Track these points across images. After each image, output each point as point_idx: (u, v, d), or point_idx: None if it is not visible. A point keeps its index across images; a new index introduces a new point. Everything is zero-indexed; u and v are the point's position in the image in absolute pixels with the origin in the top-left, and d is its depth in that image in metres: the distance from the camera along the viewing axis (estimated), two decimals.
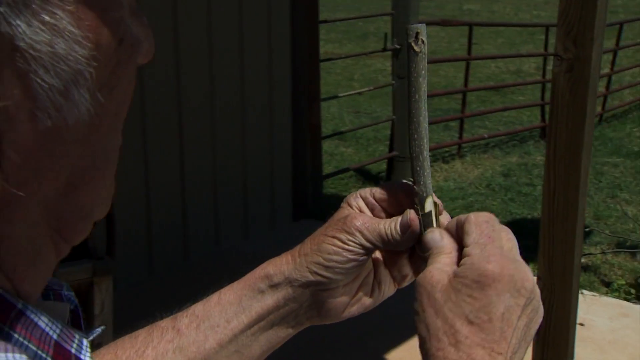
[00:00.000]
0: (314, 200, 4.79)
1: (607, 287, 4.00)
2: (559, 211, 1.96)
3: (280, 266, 0.66)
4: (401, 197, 0.66)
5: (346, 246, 0.64)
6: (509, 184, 5.92)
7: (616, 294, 3.88)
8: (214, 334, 0.65)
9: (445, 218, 0.64)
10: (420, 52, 0.60)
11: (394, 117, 5.62)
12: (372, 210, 0.67)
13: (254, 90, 4.23)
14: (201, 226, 4.09)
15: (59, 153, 0.39)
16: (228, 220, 4.23)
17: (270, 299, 0.65)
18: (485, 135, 6.92)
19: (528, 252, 4.77)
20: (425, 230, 0.62)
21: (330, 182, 5.80)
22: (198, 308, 0.66)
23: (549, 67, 7.98)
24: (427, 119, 0.62)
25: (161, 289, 3.60)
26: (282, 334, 0.67)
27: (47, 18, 0.36)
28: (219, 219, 4.19)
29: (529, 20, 16.04)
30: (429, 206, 0.63)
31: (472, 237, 0.58)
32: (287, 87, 4.46)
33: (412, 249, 0.66)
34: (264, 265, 0.67)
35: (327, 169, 5.88)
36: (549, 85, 7.85)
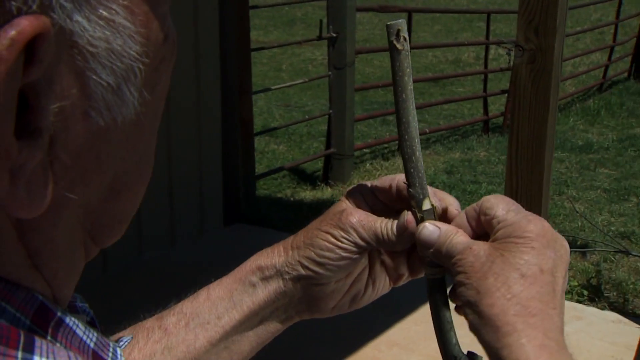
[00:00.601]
0: (247, 202, 4.79)
1: None
2: None
3: (272, 258, 0.68)
4: (404, 193, 0.67)
5: (339, 243, 0.66)
6: (453, 181, 6.04)
7: (568, 296, 4.00)
8: (204, 331, 0.66)
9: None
10: (404, 49, 0.62)
11: (330, 111, 5.63)
12: (371, 207, 0.68)
13: (179, 82, 4.20)
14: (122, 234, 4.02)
15: (106, 154, 0.40)
16: (152, 227, 4.17)
17: (261, 293, 0.67)
18: (427, 130, 7.05)
19: None
20: None
21: (263, 183, 5.79)
22: (185, 306, 0.68)
23: (491, 57, 8.26)
24: (416, 118, 0.64)
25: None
26: (272, 329, 0.69)
27: (104, 13, 0.37)
28: (142, 225, 4.14)
29: (466, 6, 16.45)
30: (426, 208, 0.65)
31: (501, 207, 0.61)
32: (216, 78, 4.45)
33: (410, 249, 0.68)
34: (254, 257, 0.69)
35: (258, 168, 5.85)
36: (490, 76, 8.11)
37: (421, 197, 0.64)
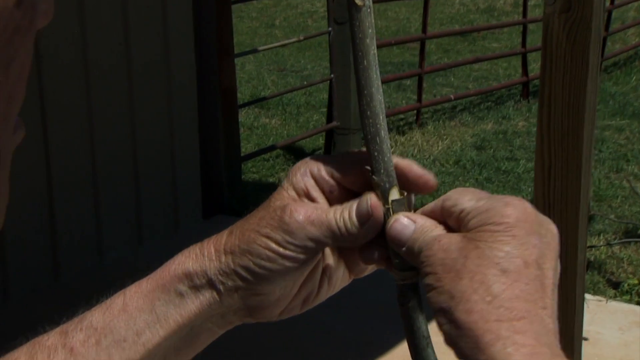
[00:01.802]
0: (231, 189, 4.80)
1: (615, 288, 4.12)
2: (557, 195, 2.02)
3: (201, 262, 0.67)
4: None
5: (283, 251, 0.65)
6: (484, 158, 6.03)
7: (627, 297, 4.02)
8: (120, 350, 0.66)
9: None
10: (364, 5, 0.62)
11: (332, 76, 5.60)
12: (328, 193, 0.68)
13: (141, 41, 4.16)
14: (77, 232, 4.03)
15: None
16: (114, 222, 4.18)
17: (191, 304, 0.67)
18: (452, 97, 6.96)
19: None
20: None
21: (251, 165, 5.77)
22: (96, 318, 0.67)
23: (532, 3, 8.21)
24: (380, 90, 0.65)
25: (22, 318, 3.52)
26: (207, 337, 0.70)
27: None
28: (101, 221, 4.14)
29: None
30: (394, 198, 0.65)
31: (467, 198, 0.62)
32: (188, 38, 4.42)
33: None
34: (180, 258, 0.68)
35: (246, 147, 5.84)
36: (531, 27, 8.08)
37: (387, 185, 0.65)
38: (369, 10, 0.63)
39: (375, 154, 0.65)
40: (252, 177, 5.61)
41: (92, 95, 4.02)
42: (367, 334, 3.48)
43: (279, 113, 7.12)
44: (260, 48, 6.07)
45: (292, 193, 0.67)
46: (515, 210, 0.59)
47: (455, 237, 0.60)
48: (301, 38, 6.23)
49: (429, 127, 6.80)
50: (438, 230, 0.62)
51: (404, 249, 0.63)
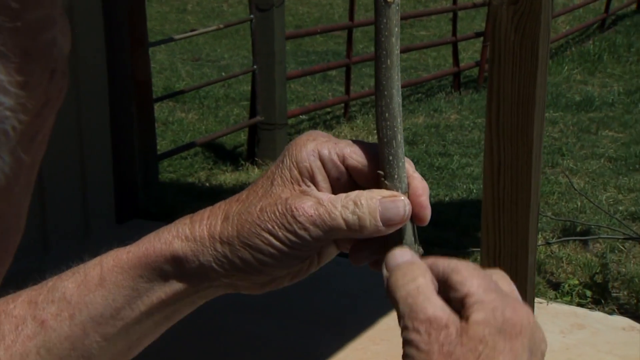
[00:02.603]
0: (147, 191, 4.79)
1: (556, 289, 4.18)
2: (507, 193, 2.05)
3: (193, 247, 0.68)
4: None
5: (287, 250, 0.66)
6: (417, 154, 6.03)
7: (567, 298, 4.09)
8: (95, 325, 0.67)
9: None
10: (394, 2, 0.63)
11: (254, 67, 5.58)
12: (334, 180, 0.68)
13: None
14: None
15: None
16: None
17: (178, 286, 0.69)
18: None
19: (453, 250, 4.83)
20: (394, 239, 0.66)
21: (167, 164, 5.74)
22: (70, 291, 0.68)
23: None
24: (400, 92, 0.66)
25: None
26: (188, 310, 0.72)
27: None
28: None
29: None
30: None
31: (475, 282, 0.61)
32: (97, 24, 4.37)
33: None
34: (165, 236, 0.69)
35: (160, 144, 5.82)
36: (461, 14, 8.20)
37: (400, 192, 0.67)
38: (397, 7, 0.64)
39: (390, 158, 0.66)
40: (168, 177, 5.57)
41: None
42: (300, 343, 3.49)
43: (196, 107, 7.08)
44: (177, 37, 6.00)
45: (295, 173, 0.67)
46: (522, 319, 0.60)
47: (452, 319, 0.60)
48: (221, 26, 6.20)
49: (358, 121, 6.84)
50: (427, 286, 0.62)
51: (385, 276, 0.64)
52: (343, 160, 0.67)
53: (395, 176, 0.66)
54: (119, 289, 0.67)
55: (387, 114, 0.66)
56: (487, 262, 2.11)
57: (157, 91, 6.71)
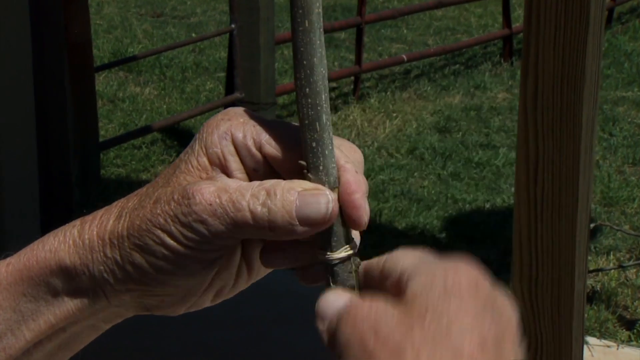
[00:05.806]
0: (84, 190, 4.76)
1: (630, 329, 4.09)
2: (546, 198, 2.03)
3: (81, 254, 0.68)
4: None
5: (183, 250, 0.65)
6: (449, 145, 5.79)
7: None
8: None
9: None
10: None
11: (232, 26, 5.45)
12: (250, 170, 0.67)
13: None
14: None
15: None
16: None
17: (69, 303, 0.69)
18: (404, 57, 6.75)
19: (493, 272, 4.64)
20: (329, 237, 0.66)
21: (114, 155, 5.54)
22: None
23: None
24: (324, 61, 0.65)
25: None
26: (89, 335, 0.73)
27: None
28: None
29: None
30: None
31: (409, 258, 0.63)
32: None
33: None
34: (50, 242, 0.68)
35: (105, 130, 5.70)
36: None
37: (326, 187, 0.68)
38: None
39: (314, 144, 0.65)
40: (115, 173, 5.34)
41: None
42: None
43: (156, 79, 6.78)
44: None
45: (203, 160, 0.67)
46: (469, 276, 0.60)
47: (389, 310, 0.60)
48: None
49: (372, 100, 6.53)
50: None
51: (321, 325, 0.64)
52: (260, 148, 0.67)
53: (320, 167, 0.65)
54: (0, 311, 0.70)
55: (307, 89, 0.64)
56: (521, 290, 2.11)
57: (103, 57, 6.49)
